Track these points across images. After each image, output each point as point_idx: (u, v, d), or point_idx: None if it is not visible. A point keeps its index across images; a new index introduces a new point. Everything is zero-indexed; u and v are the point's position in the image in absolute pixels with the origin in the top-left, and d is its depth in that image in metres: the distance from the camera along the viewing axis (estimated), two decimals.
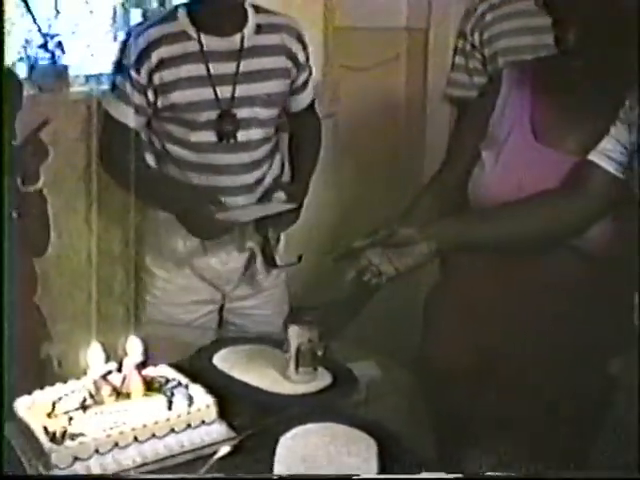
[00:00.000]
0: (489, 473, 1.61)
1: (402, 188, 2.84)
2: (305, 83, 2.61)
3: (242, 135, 2.49)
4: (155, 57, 2.42)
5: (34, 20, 2.64)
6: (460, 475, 1.55)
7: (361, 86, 2.85)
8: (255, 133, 2.52)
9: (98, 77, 2.76)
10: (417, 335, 2.12)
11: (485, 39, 2.71)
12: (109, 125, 2.51)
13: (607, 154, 1.77)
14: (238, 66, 2.46)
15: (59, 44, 2.66)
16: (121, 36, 2.70)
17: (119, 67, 2.47)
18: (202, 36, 2.44)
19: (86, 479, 1.62)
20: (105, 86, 2.63)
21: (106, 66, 2.66)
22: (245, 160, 2.53)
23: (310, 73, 2.61)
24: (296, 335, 1.91)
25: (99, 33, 2.83)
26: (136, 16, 2.83)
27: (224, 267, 2.62)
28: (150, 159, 2.57)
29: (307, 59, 2.58)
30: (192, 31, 2.44)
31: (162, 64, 2.42)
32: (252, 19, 2.49)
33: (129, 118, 2.48)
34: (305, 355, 1.91)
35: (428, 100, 3.23)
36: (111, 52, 2.61)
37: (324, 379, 1.95)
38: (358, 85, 2.81)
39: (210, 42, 2.45)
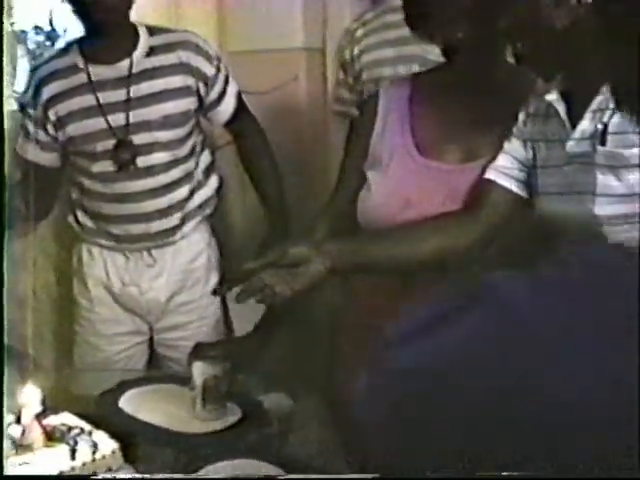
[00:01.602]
0: None
1: (306, 209, 2.82)
2: (221, 95, 2.56)
3: (143, 161, 2.46)
4: (47, 93, 2.44)
5: None
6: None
7: (261, 110, 2.81)
8: (158, 157, 2.48)
9: None
10: (327, 363, 2.09)
11: (355, 54, 2.78)
12: (25, 169, 2.50)
13: (504, 171, 1.76)
14: (128, 92, 2.44)
15: None
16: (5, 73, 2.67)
17: (21, 107, 2.50)
18: (90, 66, 2.44)
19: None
20: None
21: None
22: (150, 186, 2.49)
23: (227, 82, 2.56)
24: (201, 371, 1.87)
25: None
26: (21, 52, 2.78)
27: (143, 296, 2.59)
28: (73, 191, 2.59)
29: (218, 70, 2.53)
30: (81, 63, 2.45)
31: (54, 99, 2.44)
32: (144, 42, 2.47)
33: (38, 157, 2.51)
34: (211, 391, 1.87)
35: (329, 119, 3.21)
36: None
37: (233, 414, 1.91)
38: (258, 109, 2.77)
39: (98, 71, 2.44)
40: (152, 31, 2.49)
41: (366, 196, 1.94)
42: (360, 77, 2.76)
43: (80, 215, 2.59)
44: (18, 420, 1.70)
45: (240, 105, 2.63)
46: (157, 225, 2.52)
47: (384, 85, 2.10)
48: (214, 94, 2.54)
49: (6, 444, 1.67)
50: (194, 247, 2.61)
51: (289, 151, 3.03)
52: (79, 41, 2.49)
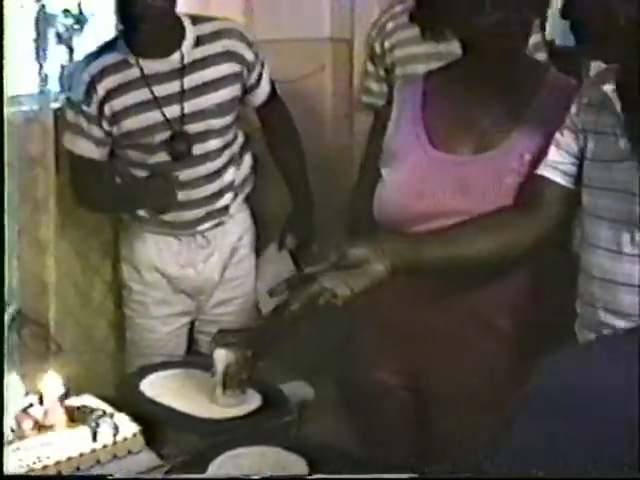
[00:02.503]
0: None
1: (330, 198, 2.84)
2: (259, 78, 2.62)
3: (198, 149, 2.53)
4: (101, 90, 2.48)
5: None
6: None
7: (287, 99, 2.82)
8: (212, 144, 2.56)
9: (18, 98, 2.71)
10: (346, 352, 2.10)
11: (386, 48, 2.80)
12: (75, 162, 2.58)
13: (557, 167, 1.74)
14: (182, 84, 2.49)
15: None
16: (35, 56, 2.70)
17: (69, 104, 2.54)
18: (141, 61, 2.48)
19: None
20: (26, 107, 2.63)
21: (27, 87, 2.65)
22: (205, 172, 2.57)
23: (263, 66, 2.62)
24: (222, 358, 1.87)
25: (16, 53, 2.77)
26: (51, 35, 2.79)
27: (200, 277, 2.69)
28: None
29: (256, 55, 2.59)
30: (131, 58, 2.49)
31: (109, 95, 2.49)
32: (190, 33, 2.51)
33: (91, 152, 2.55)
34: (232, 378, 1.88)
35: (354, 110, 3.21)
36: (30, 72, 2.60)
37: (254, 401, 1.92)
38: (284, 98, 2.79)
39: (150, 65, 2.48)
40: (194, 20, 2.54)
41: (380, 191, 1.95)
42: (393, 71, 2.77)
43: None
44: (41, 401, 1.72)
45: (273, 89, 2.69)
46: (210, 208, 2.61)
47: (398, 84, 2.11)
48: (253, 77, 2.60)
49: (28, 425, 1.69)
50: (239, 226, 2.71)
51: (313, 140, 3.04)
52: (124, 35, 2.52)
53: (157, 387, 1.98)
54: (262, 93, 2.66)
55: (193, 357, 2.62)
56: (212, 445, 1.75)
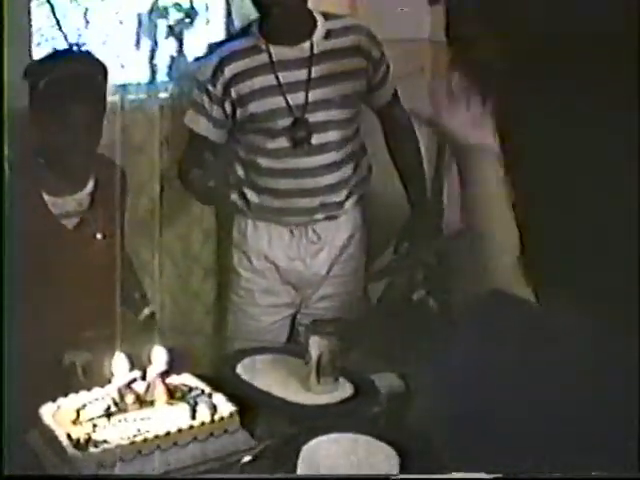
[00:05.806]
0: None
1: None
2: (384, 78, 2.67)
3: (318, 138, 2.57)
4: (228, 72, 2.54)
5: (60, 28, 2.68)
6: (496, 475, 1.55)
7: None
8: (332, 135, 2.59)
9: (127, 87, 2.78)
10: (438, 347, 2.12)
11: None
12: (193, 141, 2.63)
13: None
14: (309, 72, 2.54)
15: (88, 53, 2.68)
16: (147, 46, 2.77)
17: (196, 83, 2.59)
18: (271, 47, 2.54)
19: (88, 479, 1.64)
20: (132, 96, 2.70)
21: (135, 76, 2.71)
22: (324, 162, 2.60)
23: (388, 67, 2.67)
24: (317, 346, 1.93)
25: (129, 43, 2.85)
26: (162, 27, 2.86)
27: (308, 270, 2.71)
28: (239, 169, 2.68)
29: (382, 54, 2.64)
30: (262, 44, 2.55)
31: (236, 78, 2.54)
32: (321, 26, 2.57)
33: (210, 132, 2.60)
34: (326, 366, 1.93)
35: None
36: (140, 62, 2.67)
37: (345, 390, 1.97)
38: None
39: (280, 52, 2.54)
40: (326, 16, 2.60)
41: None
42: None
43: (248, 192, 2.68)
44: (144, 377, 1.79)
45: (395, 92, 2.72)
46: (325, 199, 2.64)
47: None
48: (379, 76, 2.65)
49: (130, 399, 1.76)
50: (351, 224, 2.73)
51: None
52: (259, 23, 2.57)
53: (252, 370, 2.04)
54: (386, 94, 2.70)
55: (288, 344, 2.66)
56: (304, 429, 1.79)
